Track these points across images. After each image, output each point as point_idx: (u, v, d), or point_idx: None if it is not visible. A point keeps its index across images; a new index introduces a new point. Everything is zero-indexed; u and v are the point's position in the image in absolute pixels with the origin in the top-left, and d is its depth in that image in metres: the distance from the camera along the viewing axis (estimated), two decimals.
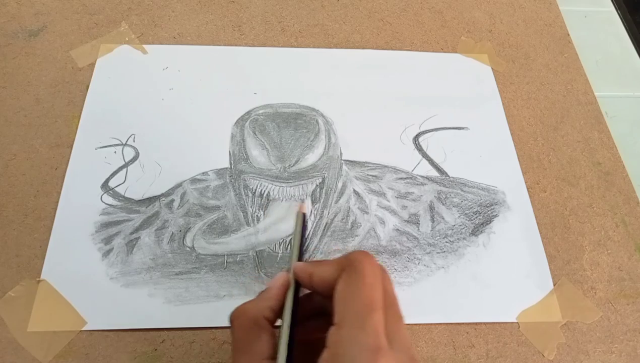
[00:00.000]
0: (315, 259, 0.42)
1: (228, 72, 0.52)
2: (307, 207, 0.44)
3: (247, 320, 0.27)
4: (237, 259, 0.42)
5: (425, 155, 0.48)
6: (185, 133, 0.48)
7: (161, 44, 0.54)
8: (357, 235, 0.44)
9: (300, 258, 0.32)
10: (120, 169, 0.45)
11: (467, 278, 0.42)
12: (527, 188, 0.47)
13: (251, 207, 0.44)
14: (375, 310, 0.25)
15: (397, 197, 0.46)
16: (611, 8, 0.64)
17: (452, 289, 0.42)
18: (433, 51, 0.56)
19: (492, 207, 0.46)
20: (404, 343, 0.25)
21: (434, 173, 0.47)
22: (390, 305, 0.27)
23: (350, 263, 0.26)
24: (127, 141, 0.47)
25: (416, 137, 0.49)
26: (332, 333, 0.25)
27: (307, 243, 0.43)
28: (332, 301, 0.26)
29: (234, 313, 0.28)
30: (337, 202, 0.45)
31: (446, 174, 0.48)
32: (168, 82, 0.51)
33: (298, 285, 0.30)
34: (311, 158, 0.47)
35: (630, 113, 0.54)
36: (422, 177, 0.47)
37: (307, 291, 0.30)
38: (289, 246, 0.42)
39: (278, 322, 0.29)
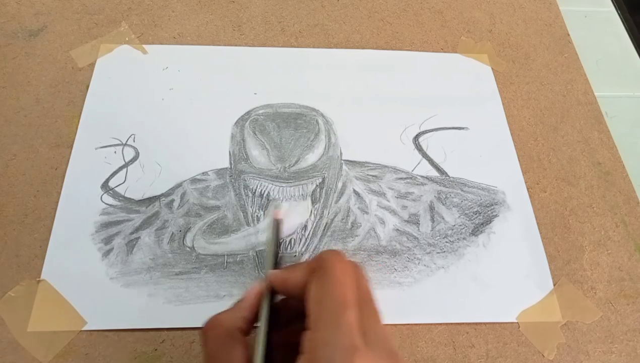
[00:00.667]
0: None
1: (228, 72, 0.52)
2: (307, 210, 0.44)
3: (221, 332, 0.27)
4: (237, 259, 0.42)
5: (425, 155, 0.48)
6: (185, 133, 0.48)
7: (161, 44, 0.54)
8: (357, 235, 0.44)
9: (276, 265, 0.31)
10: (120, 169, 0.45)
11: (467, 278, 0.42)
12: (527, 188, 0.47)
13: (251, 207, 0.44)
14: (348, 308, 0.24)
15: (397, 197, 0.46)
16: (611, 8, 0.64)
17: (452, 289, 0.42)
18: (433, 51, 0.56)
19: (492, 207, 0.46)
20: (382, 339, 0.25)
21: (434, 173, 0.47)
22: (366, 301, 0.26)
23: (319, 264, 0.26)
24: (127, 141, 0.47)
25: (416, 137, 0.49)
26: (307, 337, 0.24)
27: (307, 242, 0.43)
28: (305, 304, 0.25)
29: (207, 324, 0.27)
30: (337, 202, 0.45)
31: (446, 174, 0.48)
32: (168, 82, 0.51)
33: (273, 291, 0.29)
34: (311, 158, 0.47)
35: (630, 113, 0.54)
36: (422, 177, 0.47)
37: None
38: (289, 246, 0.42)
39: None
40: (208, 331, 0.27)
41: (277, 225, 0.34)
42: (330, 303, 0.24)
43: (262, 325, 0.27)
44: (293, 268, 0.28)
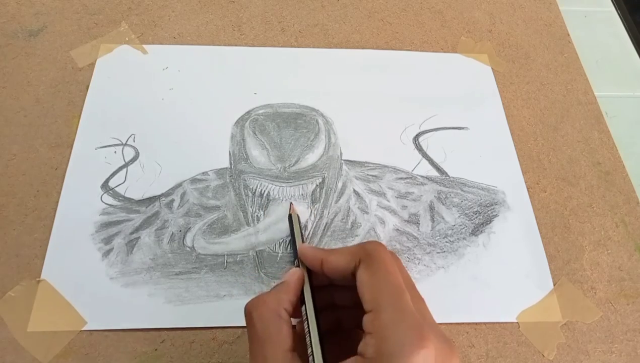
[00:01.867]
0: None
1: (228, 72, 0.52)
2: (304, 210, 0.44)
3: (268, 312, 0.28)
4: (237, 259, 0.41)
5: (425, 155, 0.48)
6: (185, 133, 0.48)
7: (161, 44, 0.54)
8: (357, 235, 0.44)
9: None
10: (120, 168, 0.45)
11: (467, 278, 0.42)
12: (527, 188, 0.47)
13: (251, 207, 0.44)
14: (405, 292, 0.26)
15: (397, 197, 0.46)
16: (611, 8, 0.64)
17: (452, 289, 0.42)
18: (433, 51, 0.56)
19: (492, 207, 0.46)
20: (432, 320, 0.27)
21: (434, 173, 0.47)
22: (411, 287, 0.28)
23: (367, 254, 0.27)
24: (127, 141, 0.47)
25: (416, 137, 0.49)
26: (371, 319, 0.25)
27: (307, 241, 0.43)
28: (356, 289, 0.27)
29: (252, 304, 0.28)
30: (337, 202, 0.45)
31: (446, 173, 0.48)
32: (168, 82, 0.51)
33: (310, 277, 0.30)
34: (311, 158, 0.47)
35: (630, 113, 0.54)
36: (422, 177, 0.47)
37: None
38: (289, 246, 0.42)
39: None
40: (254, 310, 0.28)
41: (297, 219, 0.36)
42: (389, 288, 0.26)
43: (310, 307, 0.29)
44: (332, 251, 0.29)
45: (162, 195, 0.44)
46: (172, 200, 0.44)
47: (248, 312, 0.28)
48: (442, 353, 0.25)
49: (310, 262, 0.30)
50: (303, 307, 0.29)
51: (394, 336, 0.24)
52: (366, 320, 0.25)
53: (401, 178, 0.47)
